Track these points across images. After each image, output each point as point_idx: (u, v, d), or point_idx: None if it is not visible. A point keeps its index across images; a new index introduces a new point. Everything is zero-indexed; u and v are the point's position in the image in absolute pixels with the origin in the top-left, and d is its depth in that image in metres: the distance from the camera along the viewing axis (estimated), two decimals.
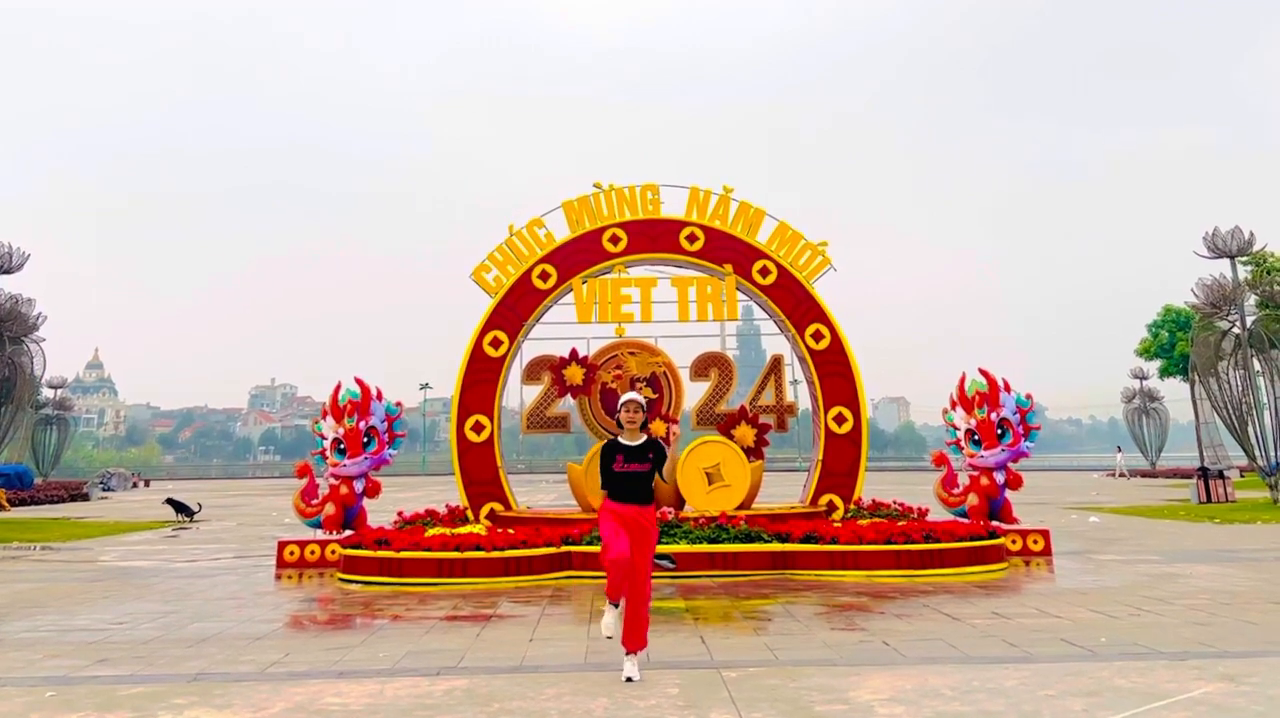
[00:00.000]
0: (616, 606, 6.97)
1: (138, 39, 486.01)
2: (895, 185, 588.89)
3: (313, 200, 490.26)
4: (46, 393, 52.40)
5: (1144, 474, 54.70)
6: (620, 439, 7.18)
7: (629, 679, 6.69)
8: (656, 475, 7.14)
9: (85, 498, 40.43)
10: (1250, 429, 26.24)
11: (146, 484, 63.80)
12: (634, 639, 6.93)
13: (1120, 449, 56.55)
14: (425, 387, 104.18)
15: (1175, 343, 51.38)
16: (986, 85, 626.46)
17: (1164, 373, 56.12)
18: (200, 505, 28.69)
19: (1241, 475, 38.48)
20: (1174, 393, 60.37)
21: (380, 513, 18.21)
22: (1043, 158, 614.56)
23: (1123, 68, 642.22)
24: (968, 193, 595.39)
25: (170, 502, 26.37)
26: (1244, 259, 29.56)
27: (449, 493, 16.18)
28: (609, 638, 7.00)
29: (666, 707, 5.98)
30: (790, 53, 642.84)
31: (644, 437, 7.18)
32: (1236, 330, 26.47)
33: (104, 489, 48.54)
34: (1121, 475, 51.03)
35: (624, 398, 7.35)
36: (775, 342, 17.21)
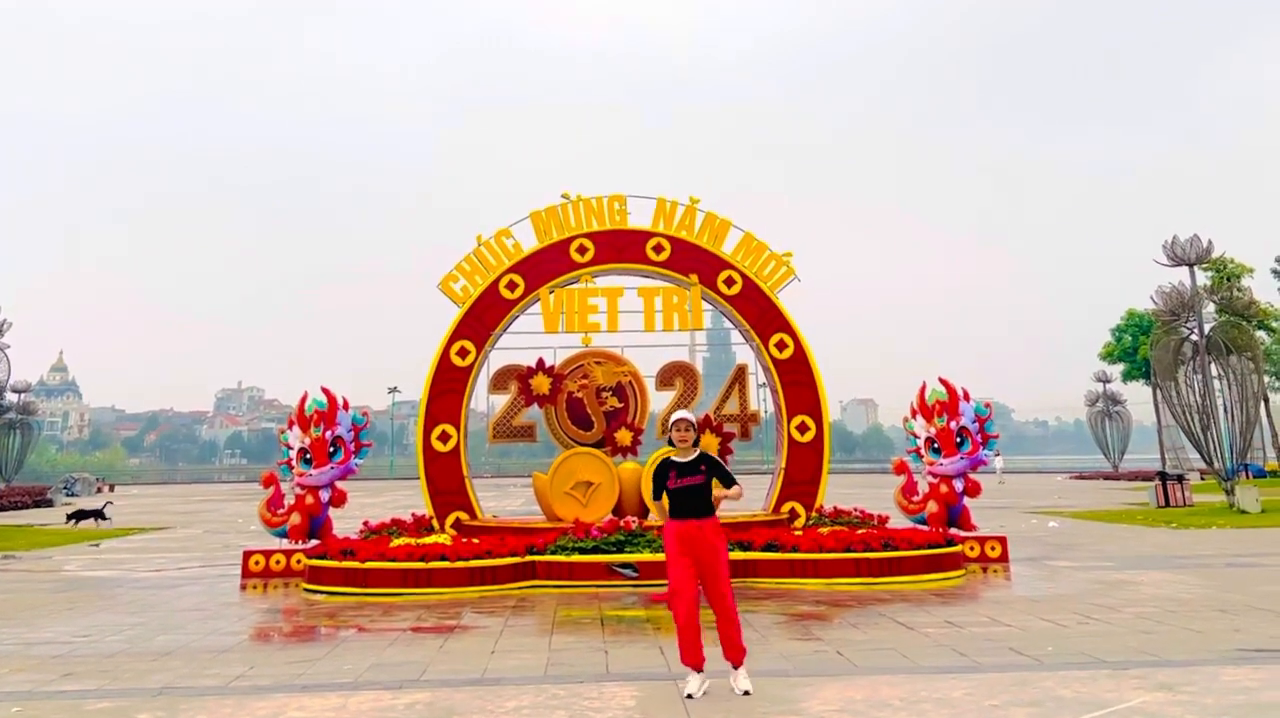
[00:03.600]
0: (700, 671, 6.82)
1: (120, 41, 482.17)
2: (871, 190, 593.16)
3: (283, 203, 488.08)
4: (10, 397, 51.90)
5: (1106, 477, 55.40)
6: (672, 457, 7.18)
7: (746, 693, 6.67)
8: (717, 484, 7.15)
9: (49, 504, 40.09)
10: (1210, 434, 26.69)
11: (111, 489, 63.17)
12: (733, 651, 6.90)
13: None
14: (394, 390, 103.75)
15: (1138, 347, 52.07)
16: (964, 96, 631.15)
17: (1127, 377, 56.88)
18: (110, 502, 28.44)
19: (1202, 479, 39.04)
20: (1137, 396, 61.20)
21: (348, 520, 18.28)
22: (1013, 164, 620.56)
23: (1094, 73, 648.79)
24: (939, 198, 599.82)
25: (75, 515, 25.87)
26: (1204, 265, 30.07)
27: (416, 498, 16.29)
28: (689, 697, 6.67)
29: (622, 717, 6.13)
30: (783, 58, 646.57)
31: (695, 452, 7.19)
32: (1194, 337, 26.94)
33: (68, 494, 48.07)
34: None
35: (674, 417, 7.35)
36: (746, 348, 17.41)
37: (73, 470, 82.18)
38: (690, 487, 7.05)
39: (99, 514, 25.72)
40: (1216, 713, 5.99)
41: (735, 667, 6.89)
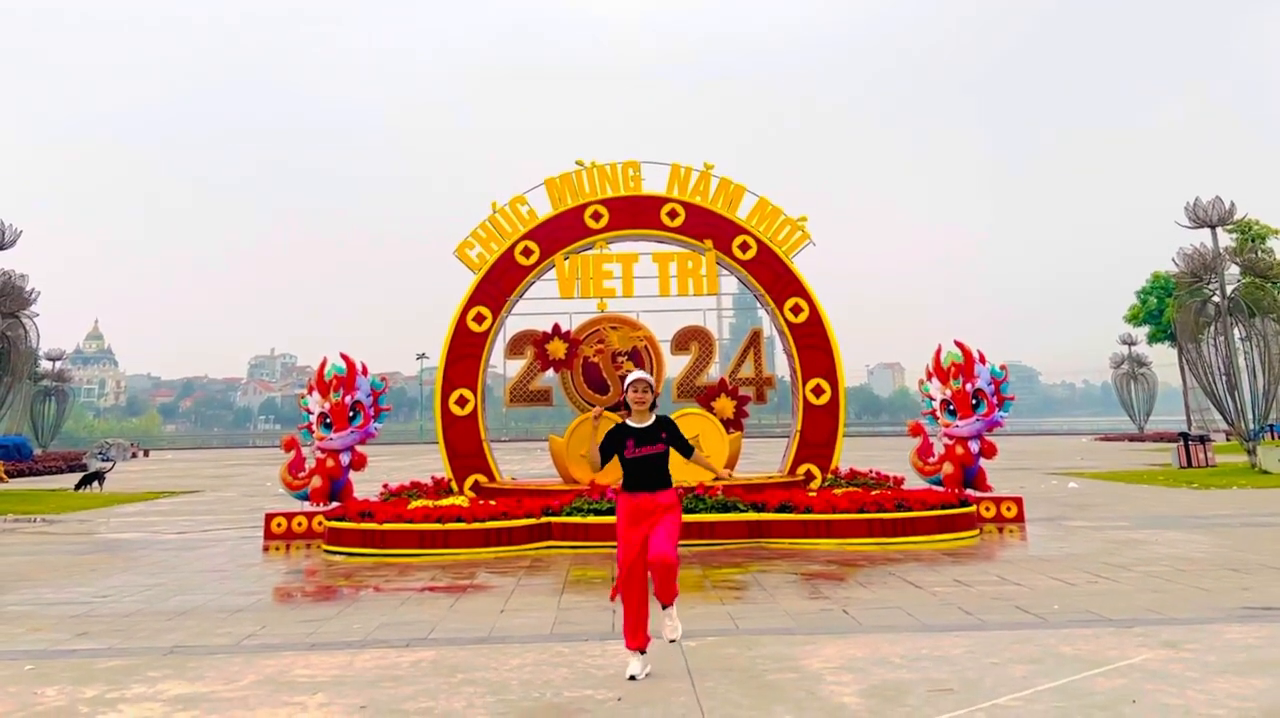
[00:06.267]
0: (644, 652, 6.34)
1: (155, 24, 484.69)
2: (897, 160, 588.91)
3: (316, 179, 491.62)
4: (45, 365, 52.64)
5: (1131, 438, 55.27)
6: (628, 422, 6.61)
7: (672, 641, 6.38)
8: (695, 465, 6.85)
9: (84, 469, 40.65)
10: (1233, 396, 26.52)
11: (146, 454, 64.16)
12: (664, 592, 6.33)
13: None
14: (422, 356, 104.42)
15: (1164, 309, 51.64)
16: (983, 61, 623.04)
17: (1152, 339, 56.44)
18: (112, 463, 29.28)
19: (1227, 439, 38.80)
20: (1162, 358, 60.76)
21: (371, 482, 18.50)
22: (1042, 128, 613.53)
23: (1117, 37, 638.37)
24: (967, 164, 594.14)
25: (85, 480, 26.71)
26: (1229, 227, 29.74)
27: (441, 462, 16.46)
28: (632, 678, 6.19)
29: (623, 676, 6.20)
30: (798, 37, 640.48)
31: (652, 417, 6.63)
32: (1217, 299, 26.71)
33: (102, 460, 48.59)
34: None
35: (632, 376, 6.77)
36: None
37: (107, 437, 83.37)
38: (650, 456, 6.48)
39: (100, 477, 26.49)
40: (1218, 670, 6.00)
41: (665, 606, 6.38)
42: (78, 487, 26.17)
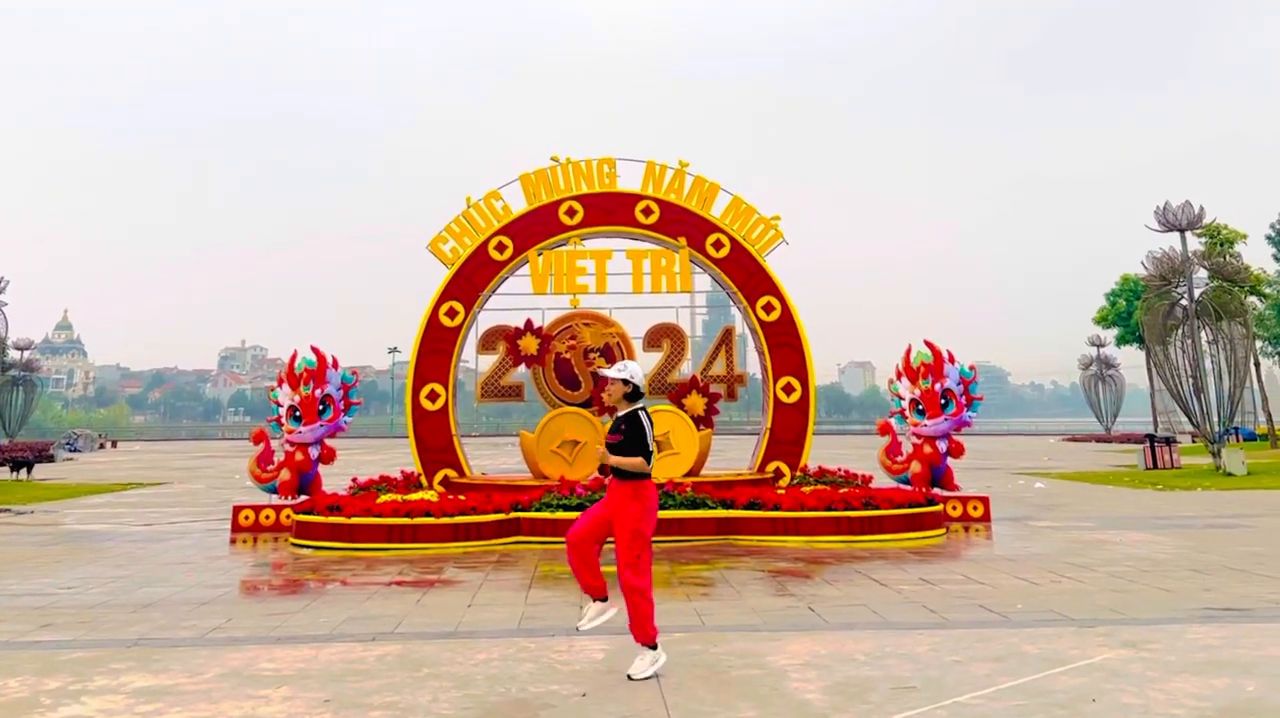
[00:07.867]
0: (602, 600, 6.51)
1: (148, 18, 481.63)
2: (894, 161, 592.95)
3: (289, 176, 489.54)
4: (13, 354, 52.08)
5: (1098, 439, 55.87)
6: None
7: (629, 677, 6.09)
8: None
9: (51, 459, 40.29)
10: (1199, 398, 26.82)
11: (114, 445, 63.63)
12: (635, 630, 6.29)
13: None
14: (394, 350, 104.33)
15: (1132, 312, 52.25)
16: (984, 62, 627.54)
17: (1121, 341, 57.08)
18: (35, 455, 29.72)
19: (1193, 441, 39.25)
20: (1131, 360, 61.48)
21: (341, 476, 18.44)
22: (1018, 134, 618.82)
23: (1112, 41, 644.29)
24: (960, 167, 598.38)
25: (15, 466, 27.49)
26: (1198, 231, 30.07)
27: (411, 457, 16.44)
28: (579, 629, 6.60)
29: (588, 672, 6.23)
30: (799, 37, 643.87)
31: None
32: (1185, 302, 27.00)
33: (70, 450, 48.33)
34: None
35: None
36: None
37: (76, 427, 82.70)
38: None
39: (28, 465, 26.91)
40: (1177, 670, 6.06)
41: (641, 644, 6.28)
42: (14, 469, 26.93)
